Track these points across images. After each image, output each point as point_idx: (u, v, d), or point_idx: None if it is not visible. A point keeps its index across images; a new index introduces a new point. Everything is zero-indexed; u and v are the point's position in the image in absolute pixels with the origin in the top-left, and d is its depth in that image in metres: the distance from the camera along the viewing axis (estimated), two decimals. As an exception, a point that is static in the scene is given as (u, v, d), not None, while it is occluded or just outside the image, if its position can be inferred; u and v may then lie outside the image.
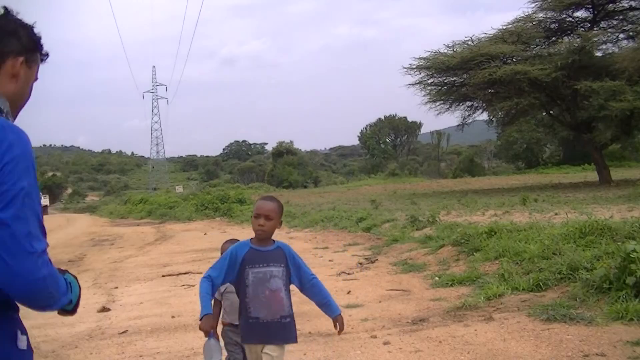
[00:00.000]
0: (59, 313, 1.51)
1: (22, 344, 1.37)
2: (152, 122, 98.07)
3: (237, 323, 2.88)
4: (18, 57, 1.43)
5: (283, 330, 2.51)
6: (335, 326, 2.59)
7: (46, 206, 55.78)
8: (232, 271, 2.51)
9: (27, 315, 1.63)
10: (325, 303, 2.64)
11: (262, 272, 2.49)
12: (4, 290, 1.30)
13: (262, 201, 2.61)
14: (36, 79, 1.54)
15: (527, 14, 26.38)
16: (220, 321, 3.03)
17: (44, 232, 1.34)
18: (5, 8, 1.47)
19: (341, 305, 5.88)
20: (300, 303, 6.02)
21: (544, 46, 26.42)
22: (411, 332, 4.68)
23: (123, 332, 5.19)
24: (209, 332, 2.44)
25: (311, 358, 4.14)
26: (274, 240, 2.60)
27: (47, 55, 1.56)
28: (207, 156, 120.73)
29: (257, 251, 2.53)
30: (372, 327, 4.93)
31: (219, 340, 2.59)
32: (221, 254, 2.97)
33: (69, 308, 1.49)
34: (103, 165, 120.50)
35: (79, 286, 1.55)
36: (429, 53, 26.95)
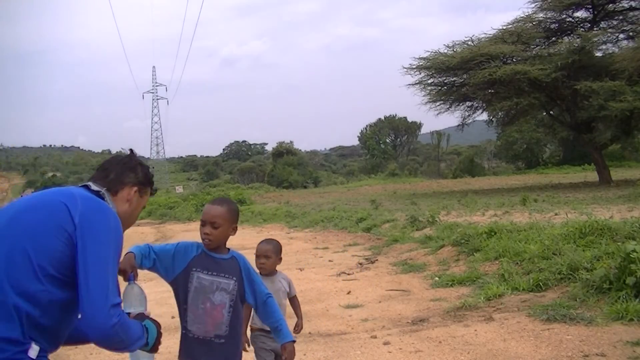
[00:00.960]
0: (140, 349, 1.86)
1: (32, 352, 1.56)
2: (152, 123, 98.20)
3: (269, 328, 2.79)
4: (133, 186, 1.89)
5: (218, 352, 2.18)
6: (282, 353, 2.31)
7: None
8: (175, 265, 2.19)
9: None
10: (275, 328, 2.33)
11: (209, 281, 2.18)
12: (81, 332, 1.64)
13: (209, 205, 2.28)
14: (144, 206, 2.01)
15: (527, 14, 26.49)
16: (249, 326, 2.95)
17: (118, 290, 1.67)
18: (131, 150, 1.99)
19: (341, 305, 5.91)
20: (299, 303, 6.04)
21: (544, 46, 26.43)
22: (411, 332, 4.68)
23: (123, 333, 5.19)
24: (129, 274, 1.96)
25: (311, 358, 4.14)
26: (228, 249, 2.30)
27: (156, 190, 2.05)
28: (207, 156, 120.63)
29: (209, 256, 2.21)
30: (372, 327, 4.93)
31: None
32: (256, 255, 2.97)
33: (146, 349, 1.84)
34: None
35: (158, 330, 1.88)
36: (429, 53, 27.01)
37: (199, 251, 2.23)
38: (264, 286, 2.34)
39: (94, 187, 1.81)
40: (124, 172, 1.88)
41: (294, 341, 2.32)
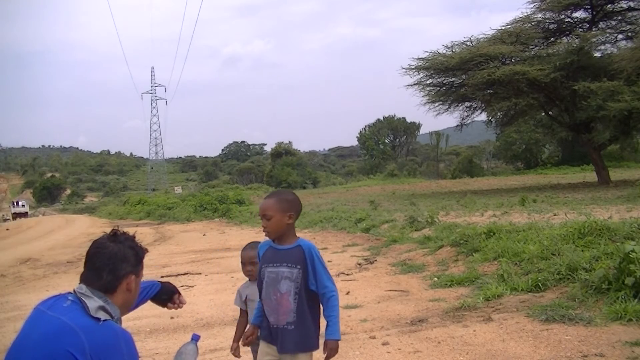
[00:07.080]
0: None
1: None
2: (150, 123, 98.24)
3: None
4: (130, 275, 1.79)
5: (289, 338, 2.34)
6: (324, 349, 2.38)
7: (26, 212, 55.67)
8: None
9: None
10: (326, 322, 2.41)
11: (274, 273, 2.36)
12: None
13: (263, 200, 2.47)
14: (142, 276, 1.90)
15: (525, 14, 26.46)
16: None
17: None
18: (114, 231, 1.84)
19: (340, 306, 5.88)
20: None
21: (542, 47, 26.42)
22: (410, 332, 4.68)
23: (122, 333, 5.17)
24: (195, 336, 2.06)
25: (310, 359, 4.14)
26: (297, 237, 2.44)
27: (147, 250, 1.92)
28: (206, 157, 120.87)
29: (273, 250, 2.42)
30: (371, 328, 4.93)
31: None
32: (241, 260, 2.93)
33: None
34: (102, 166, 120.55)
35: None
36: (428, 54, 26.97)
37: (267, 247, 2.44)
38: (328, 281, 2.45)
39: (90, 305, 1.65)
40: (117, 266, 1.75)
41: (338, 340, 2.39)
